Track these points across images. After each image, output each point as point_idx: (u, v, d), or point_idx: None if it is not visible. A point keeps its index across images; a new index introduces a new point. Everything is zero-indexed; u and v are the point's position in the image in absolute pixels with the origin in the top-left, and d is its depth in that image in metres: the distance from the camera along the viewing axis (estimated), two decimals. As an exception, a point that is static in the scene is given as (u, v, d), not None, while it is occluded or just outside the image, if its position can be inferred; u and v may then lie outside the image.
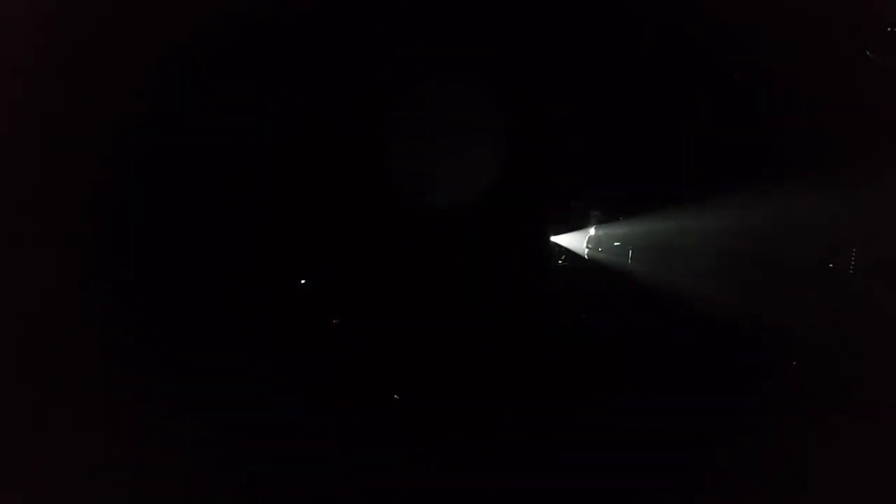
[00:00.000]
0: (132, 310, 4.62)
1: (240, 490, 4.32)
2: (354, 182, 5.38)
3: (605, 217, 5.79)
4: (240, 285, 5.05)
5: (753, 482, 4.30)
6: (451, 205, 5.34)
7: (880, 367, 4.64)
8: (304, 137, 5.24)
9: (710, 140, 5.31)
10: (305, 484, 4.38)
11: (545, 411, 4.88)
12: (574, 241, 5.84)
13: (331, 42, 5.08)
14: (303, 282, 5.37)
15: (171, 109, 4.75)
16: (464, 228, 5.48)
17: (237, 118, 4.95)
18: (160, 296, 4.73)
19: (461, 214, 5.42)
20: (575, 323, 5.51)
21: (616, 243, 5.78)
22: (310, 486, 4.38)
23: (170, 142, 4.78)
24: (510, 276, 5.53)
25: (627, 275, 5.67)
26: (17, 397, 4.24)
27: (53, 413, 4.25)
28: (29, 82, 4.31)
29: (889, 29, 4.63)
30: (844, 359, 4.76)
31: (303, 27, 4.98)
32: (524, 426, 4.80)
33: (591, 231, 5.83)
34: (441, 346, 5.14)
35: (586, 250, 5.83)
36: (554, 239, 5.83)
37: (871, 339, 4.77)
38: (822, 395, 4.65)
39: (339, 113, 5.27)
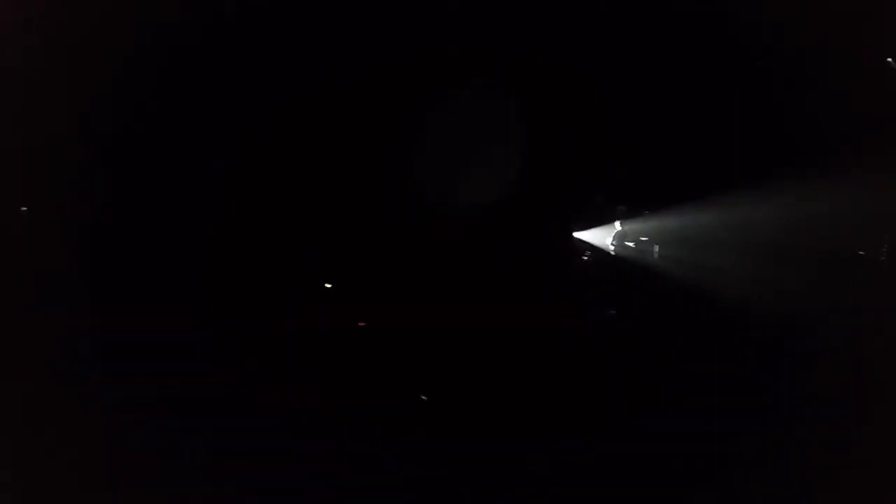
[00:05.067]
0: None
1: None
2: (373, 182, 5.36)
3: (631, 212, 5.70)
4: (261, 292, 5.08)
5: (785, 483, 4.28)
6: (473, 203, 5.30)
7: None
8: (322, 141, 5.22)
9: (739, 132, 5.20)
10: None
11: (573, 410, 4.87)
12: (599, 236, 5.77)
13: (345, 41, 5.04)
14: (328, 286, 5.39)
15: (188, 111, 4.75)
16: (487, 226, 5.44)
17: (244, 117, 4.93)
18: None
19: (484, 212, 5.37)
20: (601, 319, 5.47)
21: (642, 238, 5.70)
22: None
23: (180, 141, 4.79)
24: (534, 273, 5.49)
25: (654, 270, 5.60)
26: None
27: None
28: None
29: None
30: (881, 357, 4.68)
31: (315, 27, 4.93)
32: (551, 424, 4.80)
33: (617, 226, 5.76)
34: (465, 346, 5.11)
35: (612, 246, 5.76)
36: (578, 235, 5.77)
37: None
38: (858, 393, 4.58)
39: (359, 114, 5.23)
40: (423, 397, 5.09)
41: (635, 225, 5.70)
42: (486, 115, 5.24)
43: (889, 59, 4.83)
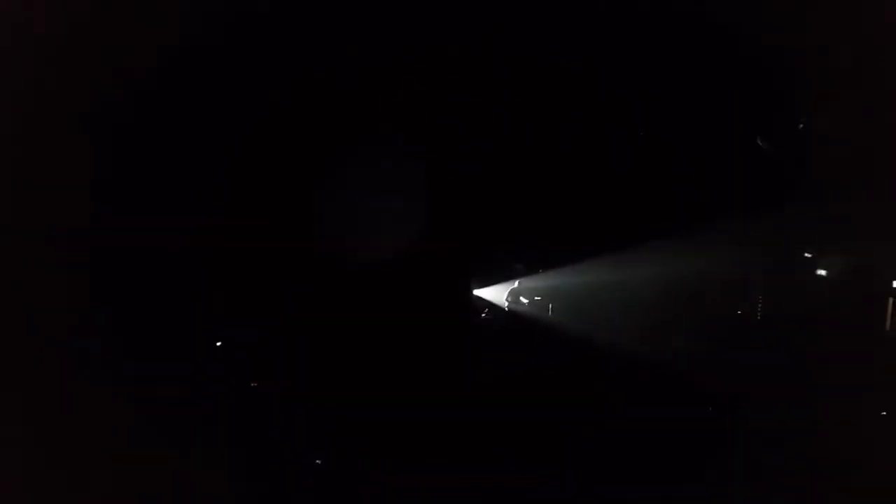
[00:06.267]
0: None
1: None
2: (275, 238, 5.30)
3: (527, 270, 5.88)
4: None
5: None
6: (372, 259, 5.31)
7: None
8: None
9: (630, 194, 5.51)
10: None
11: (468, 469, 4.81)
12: (496, 293, 5.90)
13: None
14: (218, 344, 5.19)
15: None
16: (385, 282, 5.44)
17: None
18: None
19: (383, 269, 5.38)
20: (497, 376, 5.51)
21: (537, 297, 5.87)
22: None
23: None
24: (431, 331, 5.49)
25: (548, 327, 5.74)
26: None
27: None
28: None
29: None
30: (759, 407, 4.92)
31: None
32: (451, 485, 4.72)
33: (514, 284, 5.91)
34: (363, 403, 5.04)
35: (507, 303, 5.89)
36: (476, 292, 5.87)
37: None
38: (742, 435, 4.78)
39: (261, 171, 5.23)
40: (318, 461, 4.93)
41: (531, 283, 5.87)
42: (386, 173, 5.33)
43: (758, 141, 5.29)
